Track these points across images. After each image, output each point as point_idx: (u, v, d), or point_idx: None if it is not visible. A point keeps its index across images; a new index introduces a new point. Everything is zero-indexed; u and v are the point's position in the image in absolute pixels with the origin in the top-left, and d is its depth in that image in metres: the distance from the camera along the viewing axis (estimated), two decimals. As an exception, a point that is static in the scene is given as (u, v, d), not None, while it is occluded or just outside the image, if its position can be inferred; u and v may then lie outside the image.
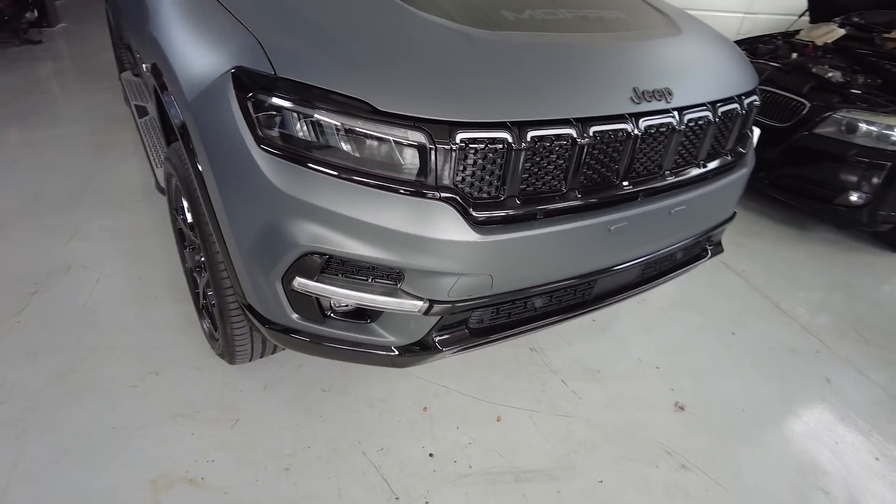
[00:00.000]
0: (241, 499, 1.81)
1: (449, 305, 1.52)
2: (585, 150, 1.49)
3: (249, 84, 1.43)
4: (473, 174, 1.41)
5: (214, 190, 1.58)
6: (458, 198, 1.40)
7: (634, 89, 1.56)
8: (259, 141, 1.43)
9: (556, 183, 1.53)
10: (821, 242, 3.80)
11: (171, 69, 1.73)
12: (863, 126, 3.34)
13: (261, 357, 2.19)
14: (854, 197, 3.45)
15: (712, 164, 1.88)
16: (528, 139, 1.40)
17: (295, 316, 1.62)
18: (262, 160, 1.43)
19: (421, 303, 1.51)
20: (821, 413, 2.37)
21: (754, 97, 1.96)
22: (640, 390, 2.39)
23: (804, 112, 3.55)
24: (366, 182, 1.38)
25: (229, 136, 1.47)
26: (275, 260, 1.51)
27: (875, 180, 3.36)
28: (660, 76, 1.64)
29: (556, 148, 1.46)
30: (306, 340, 1.65)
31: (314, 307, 1.60)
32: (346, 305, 1.63)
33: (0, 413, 2.02)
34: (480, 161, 1.40)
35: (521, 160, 1.42)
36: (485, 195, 1.45)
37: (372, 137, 1.35)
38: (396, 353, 1.62)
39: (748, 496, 1.98)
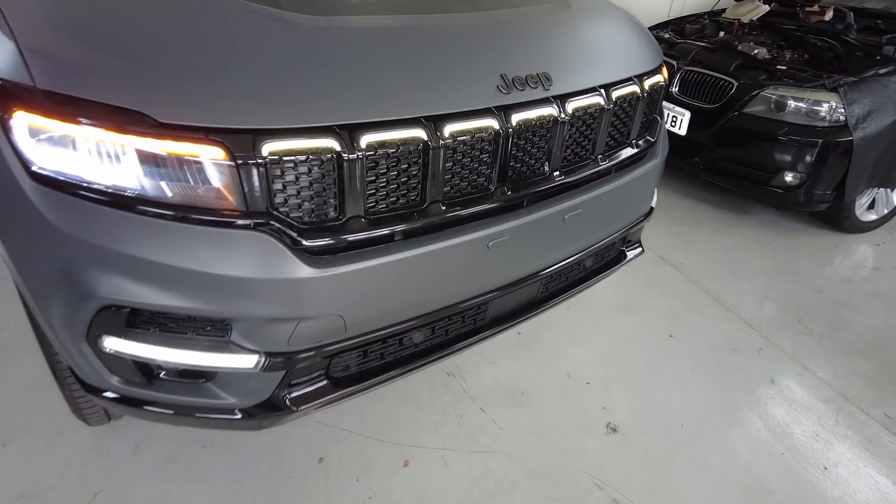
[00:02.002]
0: None
1: (291, 357, 1.23)
2: (443, 154, 1.22)
3: (7, 100, 1.11)
4: (298, 194, 1.12)
5: (-5, 232, 1.25)
6: (278, 225, 1.11)
7: (503, 76, 1.29)
8: (28, 170, 1.11)
9: (412, 196, 1.25)
10: (761, 226, 3.64)
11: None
12: (791, 103, 3.18)
13: (122, 415, 1.86)
14: (789, 177, 3.29)
15: (614, 158, 1.63)
16: (364, 146, 1.12)
17: (115, 380, 1.30)
18: (35, 194, 1.11)
19: (256, 357, 1.21)
20: (765, 420, 2.17)
21: (657, 77, 1.72)
22: (568, 412, 2.14)
23: (732, 91, 3.37)
24: (158, 213, 1.08)
25: (-8, 165, 1.14)
26: (71, 316, 1.20)
27: (808, 159, 3.21)
28: (535, 59, 1.38)
29: (406, 154, 1.18)
30: (133, 406, 1.34)
31: (134, 369, 1.28)
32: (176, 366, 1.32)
33: None
34: (304, 177, 1.11)
35: (360, 172, 1.13)
36: (318, 218, 1.16)
37: (156, 157, 1.05)
38: (240, 416, 1.32)
39: (687, 529, 1.75)
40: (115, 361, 1.27)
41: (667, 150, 1.93)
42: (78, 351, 1.27)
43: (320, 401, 1.35)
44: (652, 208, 2.01)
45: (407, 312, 1.33)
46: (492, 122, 1.27)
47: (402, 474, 1.87)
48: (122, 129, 1.02)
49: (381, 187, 1.19)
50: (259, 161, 1.05)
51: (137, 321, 1.20)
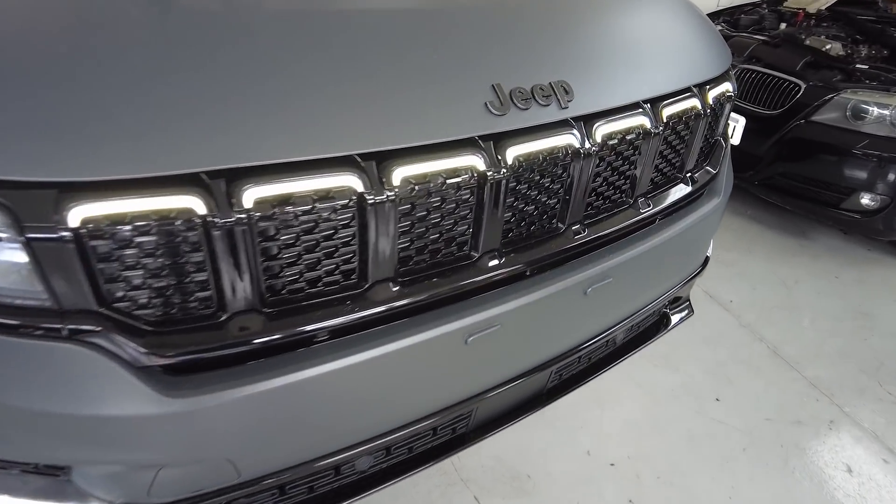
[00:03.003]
0: None
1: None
2: (391, 210, 0.78)
3: None
4: (143, 281, 0.70)
5: None
6: (110, 331, 0.69)
7: (496, 89, 0.84)
8: None
9: (344, 275, 0.81)
10: (825, 254, 3.08)
11: None
12: (873, 110, 2.62)
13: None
14: (866, 200, 2.74)
15: (661, 201, 1.17)
16: (250, 203, 0.69)
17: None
18: None
19: (108, 509, 0.80)
20: (842, 527, 1.68)
21: (725, 86, 1.24)
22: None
23: (799, 95, 2.83)
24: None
25: None
26: None
27: (892, 178, 2.65)
28: (547, 60, 0.92)
29: (329, 213, 0.75)
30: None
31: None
32: None
33: None
34: (151, 254, 0.68)
35: (247, 242, 0.71)
36: (181, 316, 0.73)
37: None
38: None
39: None
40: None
41: (731, 183, 1.45)
42: None
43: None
44: (707, 258, 1.52)
45: (340, 440, 0.91)
46: (473, 160, 0.82)
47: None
48: None
49: (287, 264, 0.76)
50: (68, 231, 0.63)
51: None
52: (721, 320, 2.52)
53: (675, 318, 1.53)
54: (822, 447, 1.94)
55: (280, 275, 0.76)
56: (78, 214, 0.63)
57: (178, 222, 0.66)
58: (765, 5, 4.00)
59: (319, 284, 0.79)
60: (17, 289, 0.65)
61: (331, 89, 0.74)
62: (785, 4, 3.99)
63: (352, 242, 0.79)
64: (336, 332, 0.82)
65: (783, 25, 3.65)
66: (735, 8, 4.08)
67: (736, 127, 3.06)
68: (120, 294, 0.69)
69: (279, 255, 0.74)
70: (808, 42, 3.10)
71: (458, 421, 1.10)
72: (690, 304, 1.63)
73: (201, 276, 0.71)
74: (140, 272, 0.68)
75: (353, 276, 0.81)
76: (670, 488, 1.76)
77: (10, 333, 0.67)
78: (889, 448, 1.95)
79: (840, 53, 3.04)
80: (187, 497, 0.82)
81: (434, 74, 0.81)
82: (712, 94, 1.18)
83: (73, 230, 0.63)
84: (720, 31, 3.49)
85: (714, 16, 3.94)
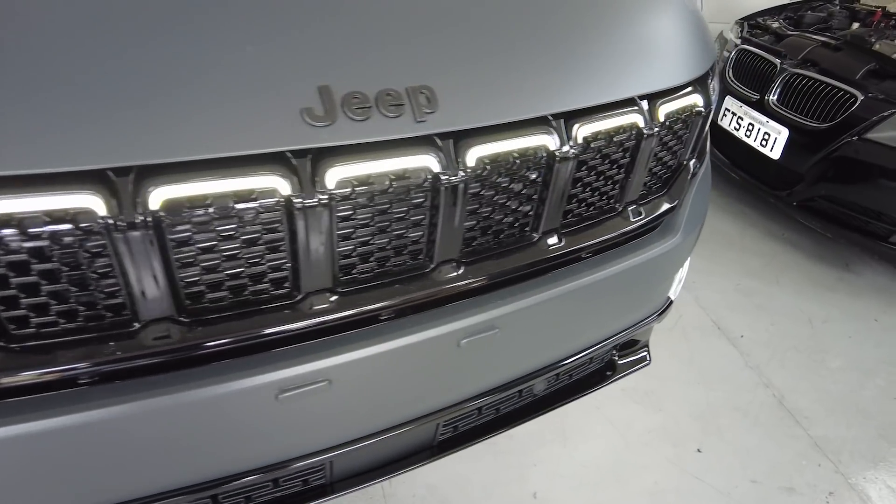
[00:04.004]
0: None
1: None
2: (146, 239, 0.62)
3: None
4: None
5: None
6: None
7: (322, 93, 0.67)
8: None
9: (109, 310, 0.67)
10: (867, 292, 2.71)
11: None
12: (942, 132, 2.24)
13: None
14: (922, 235, 2.37)
15: (579, 239, 0.95)
16: None
17: None
18: None
19: None
20: None
21: (694, 97, 1.00)
22: (516, 557, 1.52)
23: (854, 107, 2.46)
24: None
25: None
26: None
27: (956, 213, 2.27)
28: (404, 57, 0.72)
29: (68, 240, 0.60)
30: None
31: None
32: None
33: None
34: None
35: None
36: None
37: None
38: None
39: None
40: None
41: (702, 216, 1.20)
42: None
43: None
44: (670, 300, 1.29)
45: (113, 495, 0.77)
46: (276, 182, 0.65)
47: None
48: None
49: (26, 294, 0.62)
50: None
51: None
52: (725, 357, 2.24)
53: (622, 367, 1.31)
54: (812, 523, 1.68)
55: (10, 304, 0.63)
56: None
57: None
58: (837, 1, 3.54)
59: (72, 321, 0.65)
60: None
61: (76, 87, 0.58)
62: (863, 1, 3.52)
63: (114, 274, 0.64)
64: (101, 376, 0.68)
65: (855, 25, 3.21)
66: (802, 2, 3.64)
67: (777, 139, 2.73)
68: None
69: (5, 280, 0.61)
70: (876, 46, 2.69)
71: (309, 473, 0.95)
72: (648, 351, 1.40)
73: None
74: None
75: (119, 309, 0.67)
76: (619, 549, 1.56)
77: None
78: (896, 535, 1.67)
79: (914, 62, 2.62)
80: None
81: (232, 67, 0.64)
82: (668, 109, 0.95)
83: None
84: (778, 27, 3.12)
85: (778, 10, 3.52)
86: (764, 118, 2.78)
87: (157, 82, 0.61)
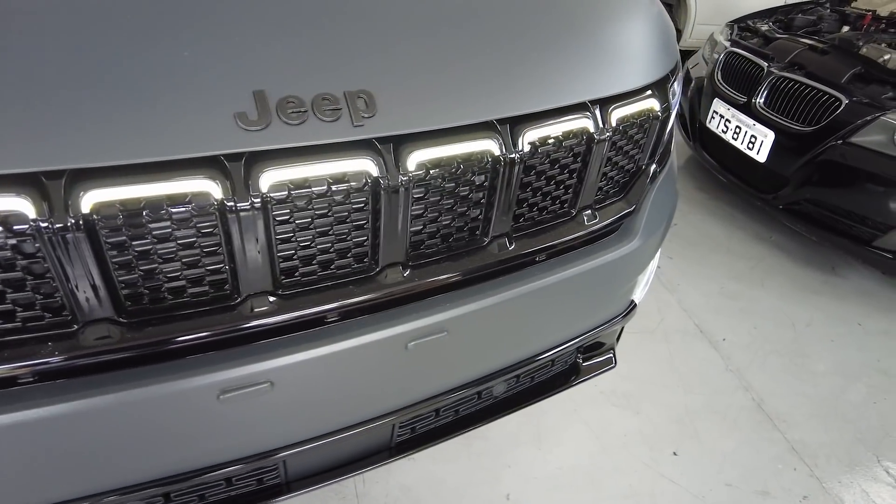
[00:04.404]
0: None
1: None
2: (101, 239, 0.63)
3: None
4: None
5: None
6: None
7: (257, 97, 0.67)
8: None
9: (48, 309, 0.68)
10: (852, 296, 2.70)
11: None
12: (925, 137, 2.24)
13: None
14: (905, 239, 2.37)
15: (531, 243, 0.96)
16: None
17: None
18: None
19: None
20: None
21: (650, 102, 1.00)
22: (486, 559, 1.52)
23: (839, 111, 2.46)
24: None
25: None
26: None
27: (939, 218, 2.27)
28: (342, 61, 0.73)
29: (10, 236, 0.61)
30: None
31: None
32: None
33: None
34: None
35: None
36: None
37: None
38: None
39: None
40: None
41: (666, 219, 1.20)
42: None
43: None
44: (634, 303, 1.29)
45: (65, 490, 0.78)
46: (209, 186, 0.66)
47: None
48: None
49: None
50: None
51: None
52: (706, 361, 2.24)
53: (586, 369, 1.32)
54: (785, 528, 1.68)
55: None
56: None
57: None
58: (827, 4, 3.53)
59: (12, 318, 0.67)
60: None
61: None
62: (853, 5, 3.52)
63: (47, 273, 0.65)
64: (40, 375, 0.68)
65: (845, 29, 3.21)
66: (794, 5, 3.64)
67: (763, 141, 2.73)
68: None
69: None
70: (863, 50, 2.69)
71: (263, 473, 0.96)
72: (614, 354, 1.40)
73: None
74: None
75: (61, 311, 0.68)
76: (590, 552, 1.56)
77: None
78: (869, 540, 1.66)
79: (900, 66, 2.62)
80: None
81: (170, 72, 0.64)
82: (622, 113, 0.95)
83: None
84: (767, 30, 3.12)
85: (768, 12, 3.52)
86: (751, 121, 2.78)
87: (90, 86, 0.62)
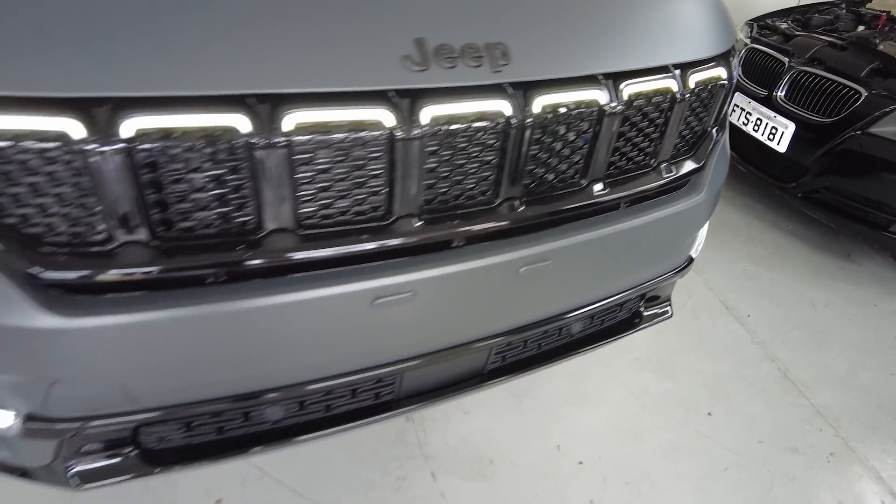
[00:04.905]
0: None
1: (54, 425, 0.85)
2: (284, 156, 0.76)
3: None
4: (29, 198, 0.71)
5: None
6: (3, 245, 0.71)
7: (419, 44, 0.81)
8: None
9: (239, 218, 0.81)
10: (868, 281, 2.85)
11: None
12: (941, 127, 2.38)
13: None
14: (919, 225, 2.51)
15: (620, 188, 1.09)
16: (126, 133, 0.68)
17: None
18: None
19: (11, 416, 0.84)
20: (815, 565, 1.56)
21: (717, 71, 1.14)
22: (543, 499, 1.65)
23: (858, 103, 2.60)
24: None
25: None
26: None
27: (952, 204, 2.41)
28: (485, 18, 0.87)
29: (215, 151, 0.74)
30: None
31: None
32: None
33: None
34: (37, 173, 0.70)
35: (125, 172, 0.71)
36: (73, 239, 0.75)
37: None
38: (25, 474, 0.97)
39: None
40: None
41: (723, 178, 1.34)
42: None
43: (123, 477, 0.96)
44: (691, 258, 1.43)
45: (243, 384, 0.91)
46: (382, 115, 0.79)
47: (304, 546, 1.48)
48: None
49: (175, 199, 0.76)
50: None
51: None
52: (732, 334, 2.38)
53: (648, 318, 1.45)
54: (815, 479, 1.81)
55: (165, 209, 0.76)
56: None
57: (48, 145, 0.67)
58: (844, 5, 3.68)
59: (212, 225, 0.79)
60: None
61: (221, 22, 0.71)
62: (868, 6, 3.67)
63: (245, 185, 0.78)
64: (230, 275, 0.81)
65: (860, 28, 3.36)
66: (810, 6, 3.79)
67: (784, 133, 2.87)
68: (12, 210, 0.71)
69: (162, 189, 0.74)
70: (881, 47, 2.84)
71: (381, 386, 1.09)
72: (670, 305, 1.53)
73: (90, 201, 0.72)
74: (31, 190, 0.70)
75: (248, 221, 0.81)
76: (637, 497, 1.69)
77: None
78: (892, 491, 1.80)
79: (916, 63, 2.77)
80: (84, 416, 0.85)
81: (347, 18, 0.78)
82: (697, 78, 1.09)
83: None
84: (786, 28, 3.26)
85: (785, 12, 3.67)
86: (772, 113, 2.93)
87: (304, 29, 0.75)
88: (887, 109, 2.51)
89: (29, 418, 0.84)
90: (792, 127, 2.83)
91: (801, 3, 3.88)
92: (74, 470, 0.93)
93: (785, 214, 3.32)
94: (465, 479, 1.68)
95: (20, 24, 0.64)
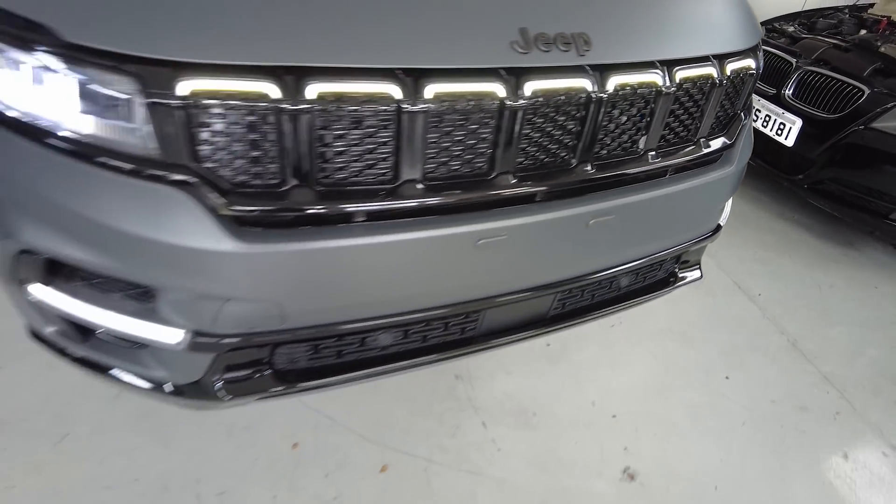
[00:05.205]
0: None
1: (218, 340, 1.05)
2: (422, 120, 0.96)
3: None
4: (227, 148, 0.91)
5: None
6: (199, 182, 0.91)
7: (523, 32, 1.01)
8: None
9: (381, 169, 1.01)
10: (870, 266, 3.06)
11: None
12: (937, 122, 2.59)
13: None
14: (918, 212, 2.72)
15: (670, 157, 1.30)
16: (311, 96, 0.89)
17: (50, 329, 1.19)
18: None
19: (181, 333, 1.04)
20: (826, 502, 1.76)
21: (747, 62, 1.35)
22: (582, 446, 1.85)
23: (861, 100, 2.81)
24: (64, 149, 0.91)
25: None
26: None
27: (947, 192, 2.62)
28: (572, 14, 1.07)
29: (372, 115, 0.94)
30: (70, 359, 1.23)
31: (63, 322, 1.16)
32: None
33: None
34: (235, 127, 0.90)
35: (305, 129, 0.91)
36: (253, 182, 0.95)
37: (60, 82, 0.88)
38: (171, 391, 1.17)
39: None
40: (43, 311, 1.14)
41: (748, 155, 1.55)
42: (12, 295, 1.16)
43: (258, 394, 1.17)
44: (719, 226, 1.63)
45: (367, 309, 1.11)
46: (495, 88, 0.99)
47: (376, 479, 1.68)
48: (22, 44, 0.86)
49: (339, 153, 0.96)
50: (178, 101, 0.85)
51: (62, 271, 1.06)
52: (745, 310, 2.58)
53: (682, 278, 1.65)
54: (823, 433, 2.01)
55: (328, 160, 0.96)
56: (187, 87, 0.84)
57: (258, 104, 0.87)
58: (847, 10, 3.90)
59: (360, 174, 0.99)
60: (135, 139, 0.88)
61: (381, 14, 0.91)
62: (870, 11, 3.89)
63: (389, 143, 0.98)
64: (370, 215, 1.01)
65: (862, 32, 3.57)
66: (815, 11, 4.01)
67: (792, 128, 3.08)
68: (209, 156, 0.91)
69: (327, 144, 0.94)
70: (882, 49, 3.05)
71: (467, 321, 1.29)
72: (700, 268, 1.74)
73: (273, 151, 0.92)
74: (226, 140, 0.90)
75: (387, 172, 1.01)
76: (665, 444, 1.89)
77: (126, 172, 0.89)
78: (892, 444, 2.00)
79: (915, 64, 2.98)
80: (243, 333, 1.05)
81: (478, 15, 0.98)
82: (731, 67, 1.30)
83: (183, 99, 0.85)
84: (793, 31, 3.48)
85: (792, 16, 3.89)
86: (780, 110, 3.14)
87: (438, 18, 0.96)
88: (888, 106, 2.72)
89: (197, 334, 1.04)
90: (799, 123, 3.04)
91: (806, 9, 4.10)
92: (221, 384, 1.13)
93: (791, 206, 3.53)
94: (512, 428, 1.88)
95: (237, 11, 0.84)
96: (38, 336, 1.25)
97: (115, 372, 1.16)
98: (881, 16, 3.67)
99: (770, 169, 3.32)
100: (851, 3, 4.02)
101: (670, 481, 1.77)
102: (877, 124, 2.76)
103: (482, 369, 2.07)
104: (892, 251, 3.19)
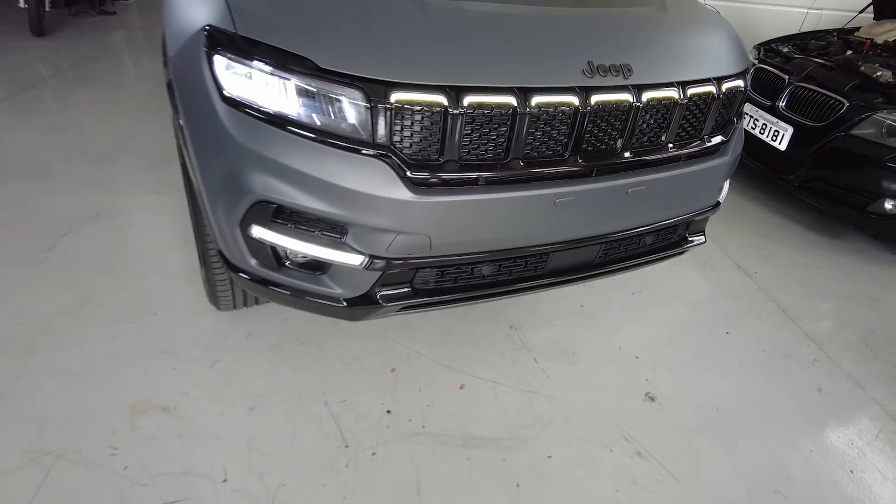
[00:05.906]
0: (205, 429, 1.96)
1: (387, 261, 1.60)
2: (527, 120, 1.52)
3: (215, 41, 1.53)
4: (411, 135, 1.47)
5: (189, 142, 1.71)
6: (393, 157, 1.47)
7: (589, 63, 1.57)
8: (221, 94, 1.54)
9: (498, 151, 1.56)
10: (851, 253, 3.58)
11: (163, 31, 1.88)
12: (904, 129, 3.12)
13: (245, 306, 2.34)
14: (889, 205, 3.24)
15: (683, 148, 1.85)
16: (465, 105, 1.44)
17: (253, 262, 1.73)
18: (224, 113, 1.54)
19: (362, 257, 1.59)
20: (801, 420, 2.28)
21: (737, 82, 1.90)
22: (612, 376, 2.38)
23: (842, 111, 3.35)
24: (308, 136, 1.47)
25: (199, 90, 1.58)
26: (232, 206, 1.62)
27: (913, 188, 3.15)
28: (620, 51, 1.63)
29: (497, 116, 1.50)
30: (264, 286, 1.77)
31: (269, 254, 1.70)
32: (301, 256, 1.73)
33: (15, 332, 2.26)
34: (418, 123, 1.46)
35: (459, 125, 1.46)
36: (423, 157, 1.51)
37: (313, 93, 1.43)
38: (344, 304, 1.71)
39: (699, 491, 1.95)
40: (257, 246, 1.69)
41: (740, 149, 2.10)
42: (231, 236, 1.70)
43: (402, 303, 1.71)
44: (719, 202, 2.18)
45: (480, 245, 1.66)
46: (573, 99, 1.54)
47: (457, 394, 2.21)
48: (290, 68, 1.42)
49: (475, 140, 1.52)
50: (387, 106, 1.41)
51: (280, 216, 1.61)
52: (743, 285, 3.11)
53: (691, 241, 2.20)
54: (802, 373, 2.53)
55: (469, 145, 1.51)
56: (393, 97, 1.40)
57: (434, 109, 1.43)
58: (836, 33, 4.45)
59: (486, 154, 1.54)
60: (358, 130, 1.44)
61: (508, 53, 1.48)
62: (856, 34, 4.43)
63: (505, 134, 1.52)
64: (489, 181, 1.55)
65: (848, 52, 4.11)
66: (808, 33, 4.56)
67: (784, 135, 3.62)
68: (401, 140, 1.46)
69: (471, 134, 1.48)
70: (862, 68, 3.59)
71: (539, 261, 1.83)
72: (705, 235, 2.28)
73: (436, 139, 1.47)
74: (411, 131, 1.45)
75: (501, 153, 1.56)
76: (678, 377, 2.41)
77: (350, 150, 1.45)
78: (857, 383, 2.51)
79: (890, 80, 3.51)
80: (403, 257, 1.60)
81: (558, 50, 1.54)
82: (727, 86, 1.85)
83: (390, 105, 1.40)
84: (787, 52, 4.03)
85: (786, 38, 4.44)
86: (775, 119, 3.68)
87: (537, 53, 1.52)
88: (864, 116, 3.26)
89: (373, 258, 1.59)
90: (791, 130, 3.58)
91: (799, 32, 4.65)
92: (382, 294, 1.68)
93: (783, 202, 4.06)
94: (558, 363, 2.41)
95: (426, 54, 1.41)
96: (238, 269, 1.79)
97: (312, 286, 1.70)
98: (865, 38, 4.21)
99: (766, 170, 3.85)
100: (839, 28, 4.56)
101: (682, 403, 2.29)
102: (855, 131, 3.29)
103: (530, 321, 2.61)
104: (870, 242, 3.71)
